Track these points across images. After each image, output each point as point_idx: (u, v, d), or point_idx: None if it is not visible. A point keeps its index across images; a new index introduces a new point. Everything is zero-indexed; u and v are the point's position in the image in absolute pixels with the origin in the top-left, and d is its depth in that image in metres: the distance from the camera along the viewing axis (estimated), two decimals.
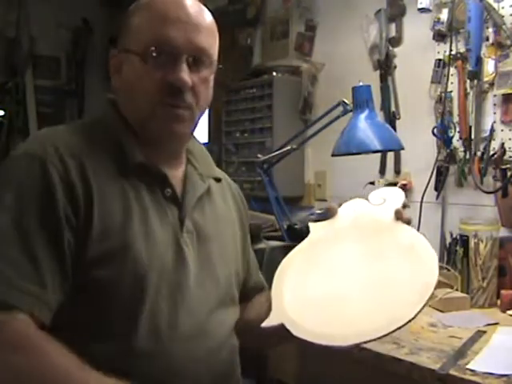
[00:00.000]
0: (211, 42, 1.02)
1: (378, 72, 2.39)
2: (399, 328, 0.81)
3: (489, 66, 1.96)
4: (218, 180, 1.17)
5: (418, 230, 2.15)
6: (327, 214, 1.06)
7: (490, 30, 1.95)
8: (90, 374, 0.81)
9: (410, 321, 0.81)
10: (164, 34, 0.97)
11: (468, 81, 2.02)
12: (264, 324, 0.88)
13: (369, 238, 0.98)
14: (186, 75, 0.97)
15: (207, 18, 1.03)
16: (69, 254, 0.90)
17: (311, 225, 1.06)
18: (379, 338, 0.81)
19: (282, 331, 0.86)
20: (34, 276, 0.85)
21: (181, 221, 1.02)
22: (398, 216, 1.01)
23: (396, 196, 1.09)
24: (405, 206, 1.06)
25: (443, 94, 2.10)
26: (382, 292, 0.87)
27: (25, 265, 0.85)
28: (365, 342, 0.82)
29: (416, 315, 0.81)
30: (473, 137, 2.02)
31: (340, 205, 1.08)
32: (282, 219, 2.08)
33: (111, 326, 0.92)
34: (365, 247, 0.97)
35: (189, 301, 0.99)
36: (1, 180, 0.93)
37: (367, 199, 1.09)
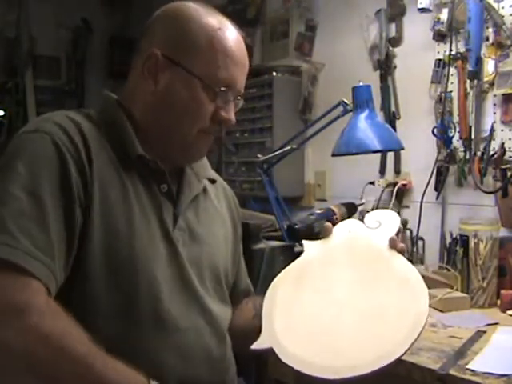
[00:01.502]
0: None
1: (378, 72, 2.39)
2: (390, 363, 0.80)
3: (489, 66, 1.96)
4: (212, 181, 1.18)
5: (418, 229, 2.16)
6: (323, 232, 1.06)
7: (490, 29, 1.95)
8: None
9: (400, 357, 0.81)
10: (234, 77, 1.03)
11: (468, 81, 2.02)
12: (254, 346, 0.88)
13: (362, 264, 0.98)
14: (233, 115, 1.06)
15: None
16: (77, 231, 0.90)
17: (305, 243, 1.06)
18: (370, 374, 0.80)
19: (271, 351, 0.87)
20: (47, 247, 0.85)
21: (174, 217, 1.03)
22: (393, 245, 1.01)
23: (391, 220, 1.08)
24: (399, 232, 1.06)
25: (443, 94, 2.10)
26: (374, 324, 0.86)
27: (39, 235, 0.85)
28: (355, 377, 0.81)
29: (406, 351, 0.81)
30: (473, 137, 2.02)
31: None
32: (281, 219, 2.07)
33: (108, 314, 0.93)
34: (358, 273, 0.96)
35: (187, 294, 1.00)
36: (14, 151, 0.92)
37: (363, 222, 1.09)
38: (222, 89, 1.02)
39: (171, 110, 1.02)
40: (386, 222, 1.07)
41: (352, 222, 1.09)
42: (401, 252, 1.00)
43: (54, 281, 0.86)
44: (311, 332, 0.86)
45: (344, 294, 0.92)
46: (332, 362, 0.80)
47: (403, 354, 0.81)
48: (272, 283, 0.98)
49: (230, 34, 1.05)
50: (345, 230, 1.06)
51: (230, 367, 1.09)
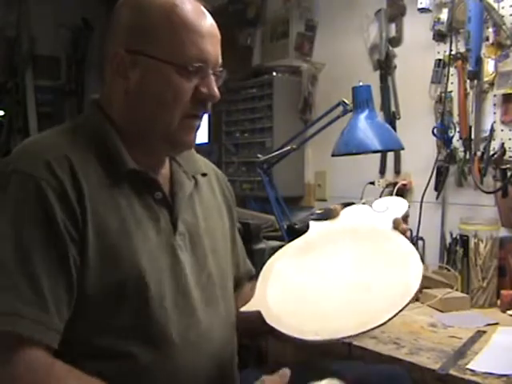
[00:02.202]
0: None
1: (378, 72, 2.39)
2: (372, 329, 0.82)
3: (489, 66, 1.96)
4: (204, 175, 1.15)
5: (418, 229, 2.16)
6: (330, 214, 1.08)
7: (490, 29, 1.94)
8: None
9: (383, 324, 0.82)
10: (204, 50, 0.97)
11: (468, 81, 2.02)
12: (243, 308, 0.91)
13: (363, 242, 1.00)
14: (216, 88, 1.00)
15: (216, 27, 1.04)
16: (75, 270, 0.88)
17: (311, 223, 1.08)
18: (350, 337, 0.82)
19: (259, 318, 0.87)
20: (40, 303, 0.84)
21: (173, 224, 1.01)
22: (396, 225, 1.03)
23: (400, 206, 1.11)
24: (406, 216, 1.08)
25: (443, 94, 2.10)
26: (362, 294, 0.88)
27: (29, 293, 0.83)
28: (335, 340, 0.83)
29: (390, 319, 0.82)
30: (473, 137, 2.02)
31: (344, 207, 1.11)
32: (281, 219, 2.07)
33: (113, 340, 0.91)
34: (357, 251, 0.99)
35: (191, 305, 0.99)
36: None
37: (371, 206, 1.12)
38: (196, 65, 0.96)
39: (148, 103, 0.98)
40: (394, 206, 1.10)
41: (360, 207, 1.14)
42: (403, 232, 1.01)
43: (54, 332, 0.85)
44: (300, 300, 0.89)
45: (340, 268, 0.95)
46: (314, 326, 0.82)
47: (386, 322, 0.82)
48: (273, 255, 1.02)
49: (189, 7, 0.98)
50: (352, 214, 1.10)
51: (233, 372, 1.08)
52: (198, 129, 1.03)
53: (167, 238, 0.99)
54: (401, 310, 0.83)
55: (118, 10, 1.01)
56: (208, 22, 1.00)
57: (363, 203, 1.12)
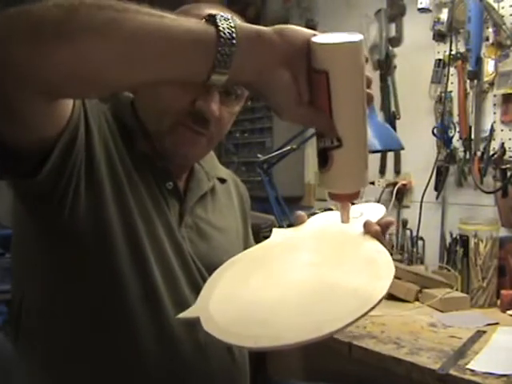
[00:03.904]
0: None
1: (378, 72, 2.39)
2: (318, 338, 0.71)
3: (489, 66, 1.96)
4: (222, 181, 1.15)
5: (418, 229, 2.16)
6: (295, 221, 0.98)
7: (490, 29, 1.95)
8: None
9: (333, 333, 0.72)
10: None
11: (468, 81, 2.03)
12: (181, 315, 0.81)
13: (328, 248, 0.90)
14: (215, 107, 0.93)
15: None
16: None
17: (274, 230, 0.98)
18: (292, 345, 0.71)
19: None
20: None
21: (180, 215, 1.01)
22: (367, 229, 0.92)
23: (375, 211, 1.01)
24: (389, 222, 0.93)
25: (443, 94, 2.10)
26: (318, 301, 0.78)
27: None
28: (278, 348, 0.72)
29: (342, 329, 0.72)
30: (473, 137, 2.02)
31: (311, 215, 1.02)
32: (281, 219, 2.07)
33: (114, 314, 0.90)
34: (320, 257, 0.88)
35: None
36: None
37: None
38: None
39: (153, 104, 0.96)
40: (370, 212, 1.00)
41: (331, 213, 1.02)
42: (376, 235, 0.90)
43: None
44: (245, 307, 0.79)
45: (298, 274, 0.85)
46: (255, 333, 0.73)
47: (337, 331, 0.72)
48: (227, 261, 0.90)
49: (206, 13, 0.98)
50: (321, 220, 0.99)
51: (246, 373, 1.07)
52: (200, 145, 0.98)
53: (170, 226, 0.98)
54: (357, 319, 0.73)
55: None
56: None
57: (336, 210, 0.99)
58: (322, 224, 0.97)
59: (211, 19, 0.64)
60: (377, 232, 0.89)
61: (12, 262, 0.99)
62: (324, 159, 0.74)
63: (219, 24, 0.63)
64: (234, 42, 0.62)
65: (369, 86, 0.69)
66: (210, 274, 0.95)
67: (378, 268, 0.82)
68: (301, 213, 0.97)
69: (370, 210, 1.01)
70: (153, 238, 0.94)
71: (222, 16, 0.64)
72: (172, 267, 0.96)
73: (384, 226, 0.90)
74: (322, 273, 0.84)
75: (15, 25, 0.60)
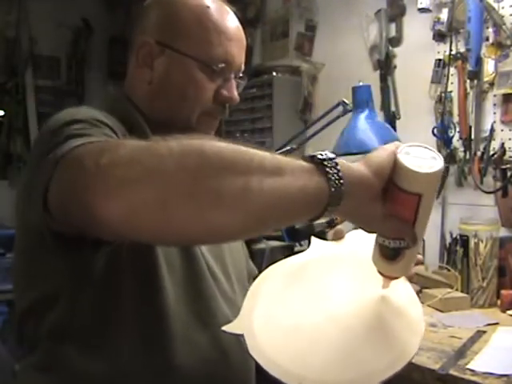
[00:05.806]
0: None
1: (378, 72, 2.40)
2: None
3: (489, 66, 1.96)
4: None
5: None
6: (332, 236, 0.98)
7: (490, 29, 1.95)
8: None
9: None
10: (230, 52, 1.00)
11: (468, 81, 2.03)
12: (225, 328, 0.82)
13: (367, 279, 0.87)
14: (236, 93, 1.02)
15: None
16: None
17: (313, 240, 0.97)
18: None
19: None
20: None
21: None
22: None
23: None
24: (418, 262, 0.95)
25: (443, 94, 2.10)
26: (357, 344, 0.79)
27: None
28: None
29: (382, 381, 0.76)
30: (473, 137, 2.02)
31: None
32: None
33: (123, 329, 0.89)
34: (359, 288, 0.87)
35: (207, 299, 0.97)
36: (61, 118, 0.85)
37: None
38: (220, 65, 0.99)
39: (170, 95, 1.00)
40: None
41: (368, 235, 0.99)
42: (409, 278, 0.91)
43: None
44: (288, 334, 0.79)
45: (336, 304, 0.84)
46: (299, 371, 0.73)
47: None
48: (264, 271, 0.90)
49: (220, 11, 1.02)
50: (358, 238, 0.95)
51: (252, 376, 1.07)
52: (215, 128, 1.06)
53: None
54: (394, 374, 0.76)
55: (150, 4, 1.05)
56: (236, 27, 1.03)
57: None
58: (360, 244, 0.93)
59: (319, 166, 0.69)
60: (412, 276, 0.92)
61: (15, 270, 0.95)
62: (395, 255, 0.77)
63: (330, 176, 0.68)
64: (343, 194, 0.67)
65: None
66: (223, 275, 0.95)
67: (412, 320, 0.83)
68: (340, 228, 0.98)
69: None
70: None
71: (329, 160, 0.70)
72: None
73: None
74: (360, 309, 0.84)
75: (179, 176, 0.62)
